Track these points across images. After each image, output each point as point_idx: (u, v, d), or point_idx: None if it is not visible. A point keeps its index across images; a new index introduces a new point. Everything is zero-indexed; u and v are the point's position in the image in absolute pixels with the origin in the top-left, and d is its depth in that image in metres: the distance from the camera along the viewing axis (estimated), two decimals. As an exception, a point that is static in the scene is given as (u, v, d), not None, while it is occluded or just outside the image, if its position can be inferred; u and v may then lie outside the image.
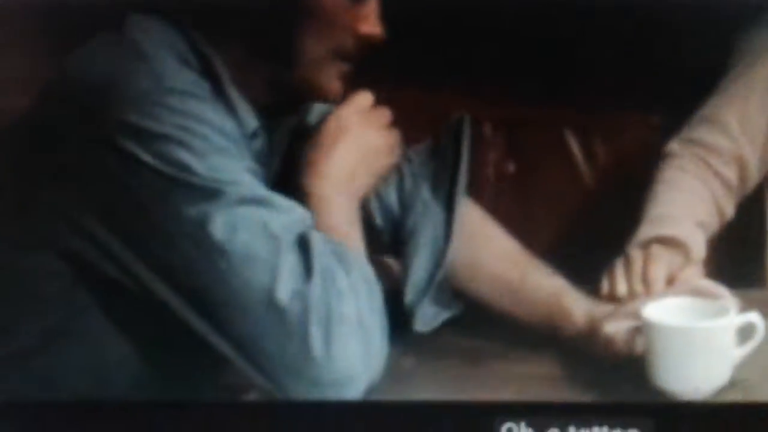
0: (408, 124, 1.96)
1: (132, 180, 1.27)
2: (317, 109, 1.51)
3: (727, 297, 1.34)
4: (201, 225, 1.25)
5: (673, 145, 1.77)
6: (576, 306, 1.43)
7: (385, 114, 1.47)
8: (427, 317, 1.48)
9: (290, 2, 1.35)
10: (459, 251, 1.51)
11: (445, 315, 1.50)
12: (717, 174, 1.74)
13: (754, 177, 1.77)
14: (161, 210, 1.26)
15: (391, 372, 1.31)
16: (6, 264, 1.34)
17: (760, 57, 1.78)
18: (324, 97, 1.43)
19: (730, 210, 1.76)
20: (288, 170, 1.47)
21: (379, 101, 1.52)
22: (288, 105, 1.46)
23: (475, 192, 1.62)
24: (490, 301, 1.50)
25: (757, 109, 1.76)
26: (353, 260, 1.32)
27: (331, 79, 1.40)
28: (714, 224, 1.74)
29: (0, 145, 1.39)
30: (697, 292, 1.36)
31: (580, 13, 1.99)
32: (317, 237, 1.29)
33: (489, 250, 1.53)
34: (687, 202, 1.71)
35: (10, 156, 1.37)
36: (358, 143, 1.42)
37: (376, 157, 1.43)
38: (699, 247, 1.66)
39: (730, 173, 1.75)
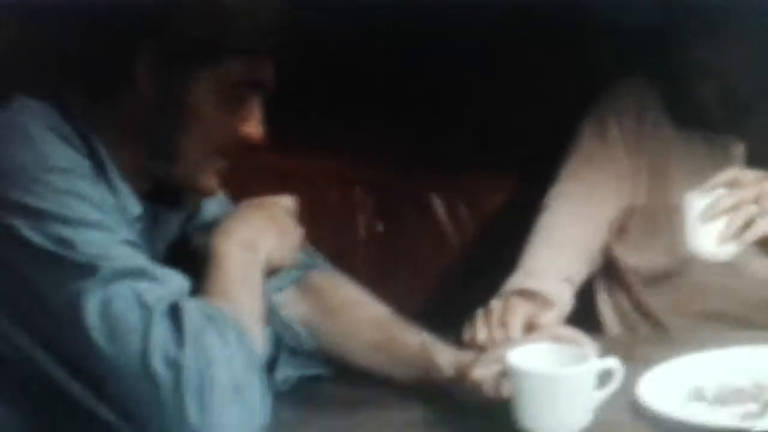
0: (281, 187, 2.01)
1: (12, 253, 1.28)
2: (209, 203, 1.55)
3: (586, 343, 1.40)
4: (77, 298, 1.25)
5: (547, 200, 1.87)
6: (443, 357, 1.47)
7: (294, 201, 1.51)
8: (287, 378, 1.51)
9: (173, 103, 1.37)
10: (327, 320, 1.56)
11: (306, 373, 1.53)
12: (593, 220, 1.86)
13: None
14: (40, 283, 1.27)
15: (271, 424, 1.31)
16: None
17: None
18: (201, 193, 1.47)
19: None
20: (176, 257, 1.49)
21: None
22: (170, 195, 1.47)
23: (346, 251, 1.68)
24: (362, 364, 1.53)
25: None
26: (229, 324, 1.31)
27: (209, 176, 1.43)
28: (583, 274, 1.85)
29: None
30: (558, 338, 1.41)
31: (442, 78, 2.07)
32: (191, 304, 1.30)
33: (357, 317, 1.56)
34: (556, 257, 1.81)
35: None
36: (266, 215, 1.45)
37: (282, 232, 1.46)
38: (563, 300, 1.77)
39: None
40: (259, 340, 1.36)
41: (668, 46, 1.81)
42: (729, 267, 1.74)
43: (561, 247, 1.83)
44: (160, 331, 1.26)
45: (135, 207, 1.40)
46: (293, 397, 1.48)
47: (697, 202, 1.55)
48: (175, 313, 1.28)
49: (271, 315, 1.49)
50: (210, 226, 1.52)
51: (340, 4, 1.93)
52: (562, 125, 1.95)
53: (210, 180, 1.44)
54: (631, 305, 1.89)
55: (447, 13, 2.01)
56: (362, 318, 1.56)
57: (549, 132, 1.99)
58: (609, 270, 1.91)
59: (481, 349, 1.49)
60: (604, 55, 1.99)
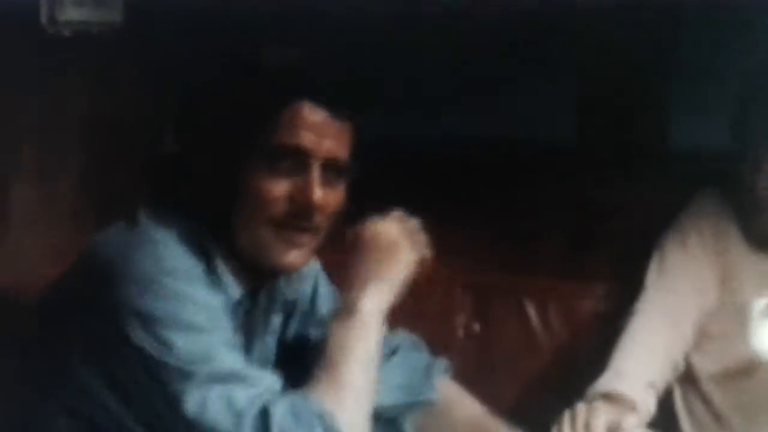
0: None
1: (125, 353, 1.37)
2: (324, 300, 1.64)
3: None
4: (177, 400, 1.34)
5: (635, 306, 1.95)
6: None
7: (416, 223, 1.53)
8: None
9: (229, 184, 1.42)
10: (428, 417, 1.63)
11: None
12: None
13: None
14: (146, 382, 1.35)
15: None
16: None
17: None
18: (285, 269, 1.49)
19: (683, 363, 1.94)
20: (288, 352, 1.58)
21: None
22: (267, 281, 1.54)
23: (445, 349, 1.75)
24: None
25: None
26: (316, 418, 1.35)
27: (286, 251, 1.45)
28: (667, 380, 1.90)
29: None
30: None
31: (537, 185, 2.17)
32: (280, 405, 1.35)
33: (456, 415, 1.64)
34: (643, 362, 1.87)
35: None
36: (399, 257, 1.49)
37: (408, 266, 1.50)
38: (648, 405, 1.82)
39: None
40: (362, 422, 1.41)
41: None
42: None
43: (649, 352, 1.88)
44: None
45: (235, 291, 1.47)
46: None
47: (763, 307, 1.60)
48: (264, 416, 1.33)
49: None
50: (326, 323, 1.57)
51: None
52: (648, 235, 2.03)
53: (290, 255, 1.46)
54: (707, 412, 1.93)
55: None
56: (460, 415, 1.64)
57: (637, 240, 2.06)
58: (685, 377, 1.95)
59: None
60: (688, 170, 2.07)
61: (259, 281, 1.52)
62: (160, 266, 1.39)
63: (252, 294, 1.52)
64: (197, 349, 1.36)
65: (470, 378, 1.72)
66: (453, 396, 1.67)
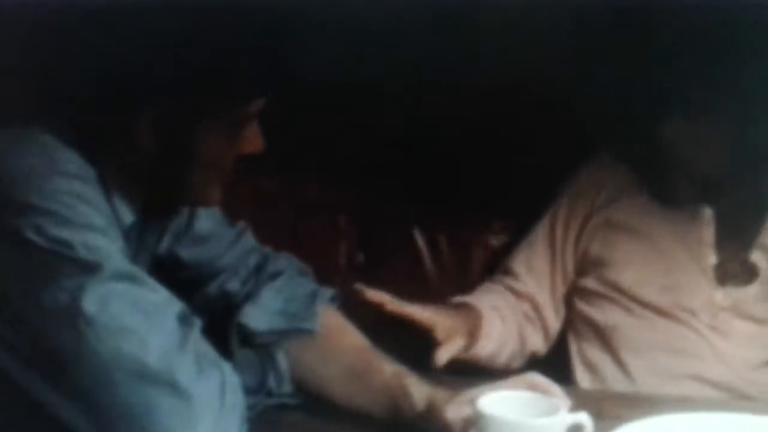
0: (269, 211, 1.99)
1: (13, 254, 1.26)
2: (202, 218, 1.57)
3: (559, 395, 1.38)
4: (74, 297, 1.24)
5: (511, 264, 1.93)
6: (417, 390, 1.45)
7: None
8: (254, 405, 1.48)
9: (177, 152, 1.38)
10: (308, 346, 1.54)
11: (275, 402, 1.52)
12: (517, 306, 1.89)
13: (551, 317, 1.92)
14: (39, 283, 1.25)
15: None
16: None
17: (548, 211, 1.94)
18: (208, 205, 1.51)
19: (535, 340, 1.91)
20: (159, 267, 1.51)
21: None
22: (166, 209, 1.49)
23: (326, 279, 1.64)
24: (337, 392, 1.52)
25: (540, 256, 1.92)
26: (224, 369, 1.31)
27: (214, 191, 1.44)
28: (515, 341, 1.86)
29: None
30: (532, 387, 1.38)
31: (436, 123, 2.06)
32: (197, 322, 1.30)
33: (337, 344, 1.55)
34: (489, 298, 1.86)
35: None
36: None
37: None
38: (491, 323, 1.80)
39: (526, 308, 1.91)
40: None
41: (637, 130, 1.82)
42: (711, 330, 1.79)
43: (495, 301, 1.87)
44: (162, 335, 1.25)
45: (127, 216, 1.40)
46: (259, 425, 1.43)
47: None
48: (183, 321, 1.28)
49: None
50: (203, 240, 1.56)
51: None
52: (548, 174, 1.96)
53: (214, 194, 1.45)
54: (606, 361, 1.87)
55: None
56: (342, 345, 1.55)
57: (536, 177, 1.98)
58: (579, 325, 1.91)
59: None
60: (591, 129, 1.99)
61: (155, 211, 1.46)
62: (53, 167, 1.32)
63: (139, 221, 1.45)
64: (97, 247, 1.28)
65: (350, 309, 1.62)
66: (336, 326, 1.58)
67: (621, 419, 1.40)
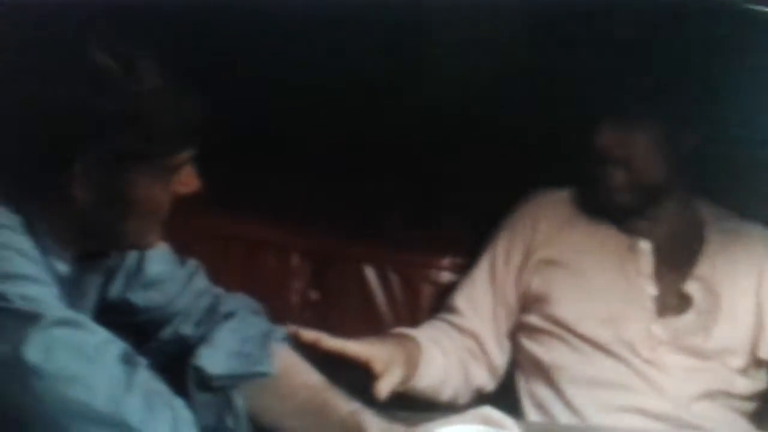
0: (221, 250, 1.98)
1: None
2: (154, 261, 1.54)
3: (511, 428, 1.39)
4: (15, 348, 1.22)
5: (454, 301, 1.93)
6: (373, 426, 1.46)
7: None
8: None
9: (109, 198, 1.36)
10: (267, 384, 1.53)
11: None
12: (460, 342, 1.88)
13: (495, 353, 1.91)
14: None
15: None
16: None
17: (487, 248, 1.95)
18: (145, 249, 1.49)
19: (479, 375, 1.89)
20: (104, 307, 1.49)
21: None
22: (101, 253, 1.47)
23: (280, 317, 1.63)
24: (293, 427, 1.51)
25: (482, 292, 1.92)
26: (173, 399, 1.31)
27: (151, 235, 1.43)
28: (458, 376, 1.85)
29: None
30: (485, 421, 1.39)
31: (383, 158, 2.06)
32: (142, 361, 1.29)
33: (292, 382, 1.54)
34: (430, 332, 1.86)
35: None
36: None
37: None
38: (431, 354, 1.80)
39: (469, 343, 1.89)
40: None
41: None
42: (649, 364, 1.79)
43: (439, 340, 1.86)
44: (107, 377, 1.24)
45: (63, 267, 1.38)
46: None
47: None
48: (126, 359, 1.27)
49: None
50: (154, 284, 1.53)
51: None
52: (495, 209, 1.96)
53: (152, 237, 1.43)
54: (552, 397, 1.86)
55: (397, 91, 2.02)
56: (298, 384, 1.54)
57: (483, 214, 1.99)
58: (524, 361, 1.91)
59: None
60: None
61: (90, 256, 1.45)
62: None
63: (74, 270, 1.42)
64: (34, 297, 1.26)
65: (305, 347, 1.60)
66: (290, 364, 1.57)
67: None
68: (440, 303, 1.96)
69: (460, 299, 1.92)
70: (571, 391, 1.82)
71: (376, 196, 2.07)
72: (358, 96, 2.03)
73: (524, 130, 1.99)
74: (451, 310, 1.92)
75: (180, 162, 1.39)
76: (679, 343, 1.80)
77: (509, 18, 1.95)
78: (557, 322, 1.85)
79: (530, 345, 1.88)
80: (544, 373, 1.86)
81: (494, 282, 1.92)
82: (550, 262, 1.88)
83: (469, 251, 1.99)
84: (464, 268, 1.98)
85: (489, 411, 1.42)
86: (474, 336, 1.90)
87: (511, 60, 1.99)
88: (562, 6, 1.77)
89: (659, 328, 1.81)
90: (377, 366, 1.63)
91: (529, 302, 1.89)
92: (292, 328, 1.59)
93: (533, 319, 1.88)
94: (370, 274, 2.04)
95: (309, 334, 1.59)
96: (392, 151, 2.06)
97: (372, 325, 1.97)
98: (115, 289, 1.53)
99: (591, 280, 1.85)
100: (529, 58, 1.97)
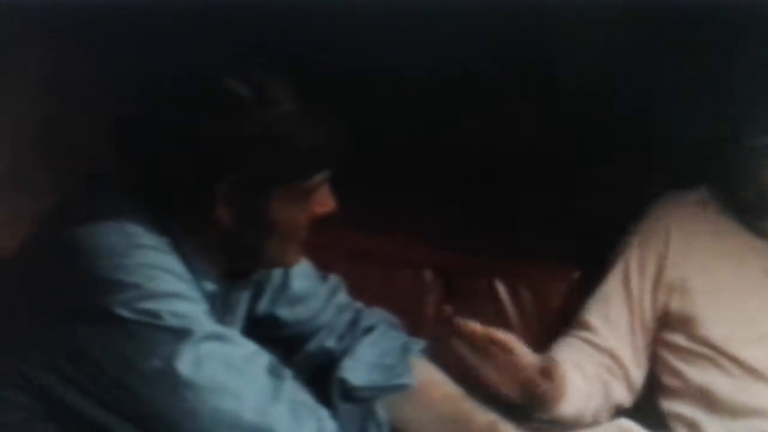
0: (358, 267, 2.03)
1: (102, 332, 1.30)
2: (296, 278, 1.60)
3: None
4: (168, 362, 1.28)
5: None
6: None
7: None
8: None
9: (252, 222, 1.41)
10: (404, 396, 1.57)
11: None
12: (598, 359, 1.86)
13: (634, 369, 1.87)
14: (130, 354, 1.29)
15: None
16: None
17: (618, 260, 1.91)
18: (286, 267, 1.54)
19: (619, 393, 1.86)
20: (252, 322, 1.54)
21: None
22: (248, 272, 1.52)
23: (416, 333, 1.68)
24: None
25: (617, 307, 1.89)
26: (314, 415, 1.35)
27: (293, 253, 1.48)
28: (599, 397, 1.82)
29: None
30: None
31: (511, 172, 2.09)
32: (288, 372, 1.34)
33: (432, 394, 1.58)
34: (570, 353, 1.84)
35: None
36: None
37: None
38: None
39: (608, 362, 1.86)
40: None
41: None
42: None
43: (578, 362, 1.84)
44: (255, 388, 1.30)
45: (210, 285, 1.43)
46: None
47: None
48: (273, 371, 1.32)
49: None
50: (300, 300, 1.59)
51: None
52: (625, 220, 1.96)
53: (293, 256, 1.49)
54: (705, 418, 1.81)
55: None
56: (437, 395, 1.58)
57: (612, 225, 1.99)
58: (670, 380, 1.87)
59: None
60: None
61: (237, 274, 1.50)
62: (130, 242, 1.35)
63: (221, 287, 1.48)
64: (183, 311, 1.32)
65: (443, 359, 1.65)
66: (429, 376, 1.61)
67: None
68: (571, 316, 1.95)
69: (595, 316, 1.89)
70: (726, 417, 1.78)
71: (507, 209, 2.10)
72: (491, 107, 2.05)
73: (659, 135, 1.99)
74: (586, 327, 1.89)
75: (317, 183, 1.43)
76: None
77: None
78: (707, 344, 1.80)
79: (678, 364, 1.84)
80: (693, 393, 1.81)
81: (629, 297, 1.88)
82: (686, 281, 1.83)
83: (595, 262, 1.98)
84: (591, 280, 1.97)
85: (627, 423, 1.45)
86: (611, 354, 1.87)
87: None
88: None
89: None
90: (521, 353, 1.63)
91: (672, 322, 1.85)
92: (447, 308, 1.61)
93: (680, 340, 1.84)
94: (500, 286, 2.06)
95: (465, 324, 1.60)
96: (524, 161, 2.09)
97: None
98: (263, 305, 1.59)
99: (734, 296, 1.80)
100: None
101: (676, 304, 1.84)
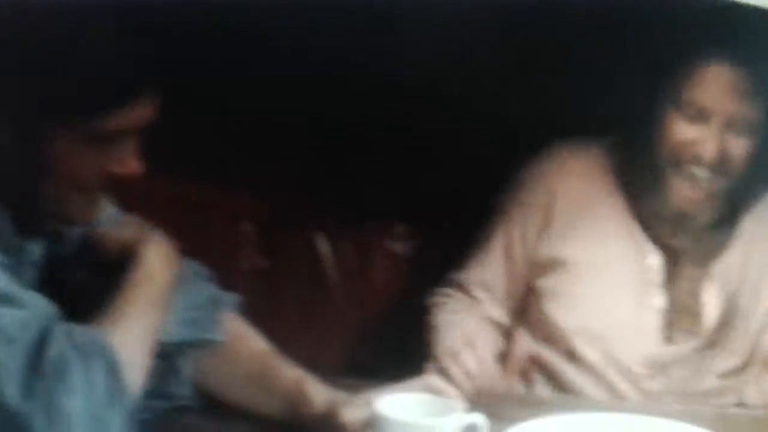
0: (169, 215, 1.96)
1: None
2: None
3: (455, 396, 1.38)
4: None
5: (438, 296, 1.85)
6: (316, 393, 1.45)
7: None
8: (154, 408, 1.45)
9: (30, 155, 1.28)
10: (213, 350, 1.51)
11: (174, 404, 1.48)
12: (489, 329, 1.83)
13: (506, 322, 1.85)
14: None
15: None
16: None
17: (498, 226, 1.84)
18: (76, 224, 1.39)
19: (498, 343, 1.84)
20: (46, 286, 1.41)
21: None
22: (41, 231, 1.39)
23: (229, 285, 1.62)
24: (236, 395, 1.51)
25: (497, 273, 1.84)
26: (99, 352, 1.26)
27: (80, 208, 1.35)
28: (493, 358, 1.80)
29: None
30: (428, 389, 1.38)
31: (345, 126, 2.05)
32: (59, 332, 1.24)
33: (237, 350, 1.53)
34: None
35: None
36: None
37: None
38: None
39: (491, 327, 1.85)
40: (139, 370, 1.31)
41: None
42: None
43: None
44: (19, 362, 1.20)
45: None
46: (158, 428, 1.42)
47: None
48: (40, 342, 1.22)
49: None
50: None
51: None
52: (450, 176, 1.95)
53: (81, 211, 1.36)
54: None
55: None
56: (242, 351, 1.53)
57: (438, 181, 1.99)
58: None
59: None
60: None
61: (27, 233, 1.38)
62: None
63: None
64: None
65: (253, 315, 1.59)
66: (238, 332, 1.55)
67: (516, 420, 1.41)
68: (394, 273, 1.94)
69: (477, 287, 1.85)
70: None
71: (327, 165, 2.07)
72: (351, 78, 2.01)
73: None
74: (467, 292, 1.86)
75: (111, 131, 1.29)
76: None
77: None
78: (558, 330, 1.79)
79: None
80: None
81: (509, 261, 1.84)
82: (561, 265, 1.79)
83: (424, 218, 1.97)
84: (418, 236, 1.96)
85: (433, 379, 1.42)
86: (494, 321, 1.85)
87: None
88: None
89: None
90: None
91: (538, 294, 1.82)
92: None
93: (538, 315, 1.82)
94: (321, 242, 2.03)
95: None
96: (348, 118, 2.04)
97: (321, 293, 1.98)
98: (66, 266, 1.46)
99: (598, 288, 1.78)
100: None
101: (542, 282, 1.81)
